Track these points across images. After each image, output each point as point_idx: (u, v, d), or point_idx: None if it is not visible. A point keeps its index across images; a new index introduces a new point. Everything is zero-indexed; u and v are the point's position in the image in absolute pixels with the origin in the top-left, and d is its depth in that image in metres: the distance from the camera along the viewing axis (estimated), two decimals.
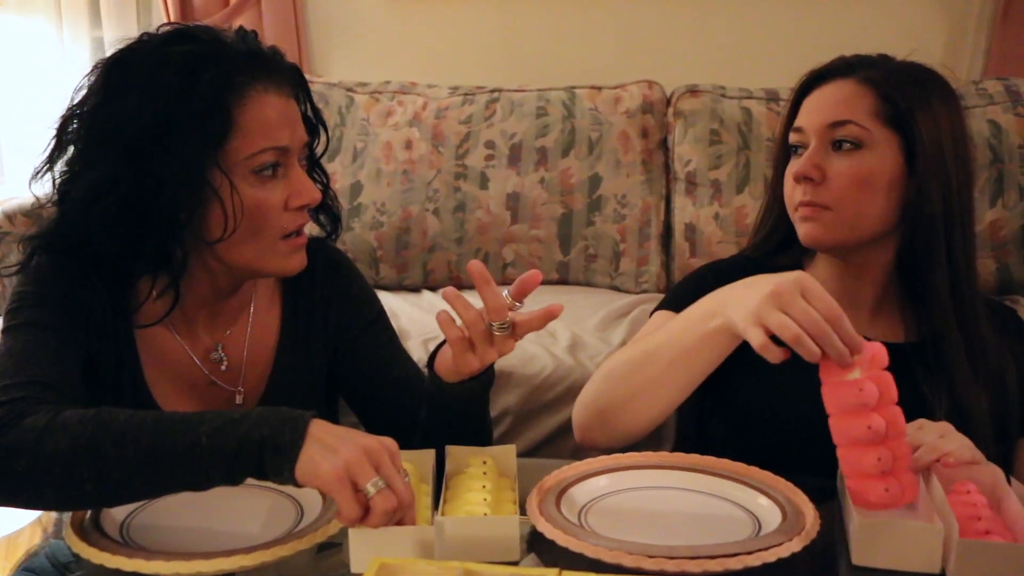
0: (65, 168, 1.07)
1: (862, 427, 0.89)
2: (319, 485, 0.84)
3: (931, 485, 0.93)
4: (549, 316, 0.98)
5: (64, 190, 1.07)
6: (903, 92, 1.16)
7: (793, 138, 1.22)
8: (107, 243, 1.04)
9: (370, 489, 0.83)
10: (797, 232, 1.21)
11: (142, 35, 1.08)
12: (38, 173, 1.08)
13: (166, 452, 0.86)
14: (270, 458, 0.85)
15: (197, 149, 1.01)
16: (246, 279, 1.15)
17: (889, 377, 0.92)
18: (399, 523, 0.86)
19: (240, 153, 1.03)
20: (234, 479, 0.87)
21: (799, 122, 1.21)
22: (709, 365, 1.05)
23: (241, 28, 1.10)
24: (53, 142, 1.07)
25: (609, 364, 1.15)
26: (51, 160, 1.07)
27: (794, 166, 1.20)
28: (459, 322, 0.99)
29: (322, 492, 0.96)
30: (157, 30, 1.09)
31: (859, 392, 0.89)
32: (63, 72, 2.88)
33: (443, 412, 1.07)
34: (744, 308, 0.96)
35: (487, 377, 1.06)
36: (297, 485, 0.86)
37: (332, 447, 0.84)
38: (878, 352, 0.92)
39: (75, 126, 1.06)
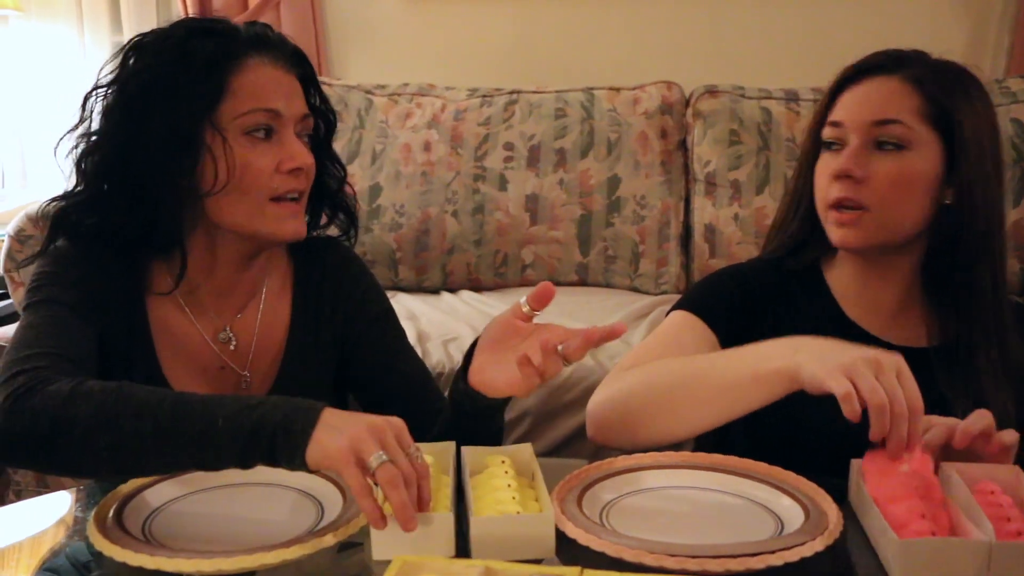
0: (83, 141, 1.14)
1: (916, 514, 0.87)
2: (328, 464, 0.87)
3: (955, 487, 0.92)
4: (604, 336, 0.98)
5: (80, 159, 1.13)
6: (947, 92, 1.14)
7: (829, 133, 1.18)
8: (111, 206, 1.11)
9: (372, 462, 0.85)
10: (828, 233, 1.18)
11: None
12: (61, 143, 1.14)
13: (183, 430, 0.89)
14: (282, 443, 0.87)
15: (189, 107, 1.08)
16: (247, 244, 1.17)
17: (935, 481, 0.91)
18: (419, 506, 0.87)
19: (232, 113, 1.09)
20: (246, 462, 0.90)
21: (837, 116, 1.17)
22: (754, 404, 1.03)
23: (253, 21, 1.17)
24: (77, 119, 1.14)
25: (647, 372, 1.12)
26: (73, 133, 1.14)
27: (831, 162, 1.16)
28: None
29: (333, 477, 0.99)
30: None
31: (909, 479, 0.90)
32: (85, 77, 2.90)
33: (471, 420, 1.08)
34: (830, 361, 0.94)
35: None
36: (308, 470, 0.88)
37: (339, 428, 0.87)
38: (928, 462, 0.93)
39: (93, 103, 1.13)
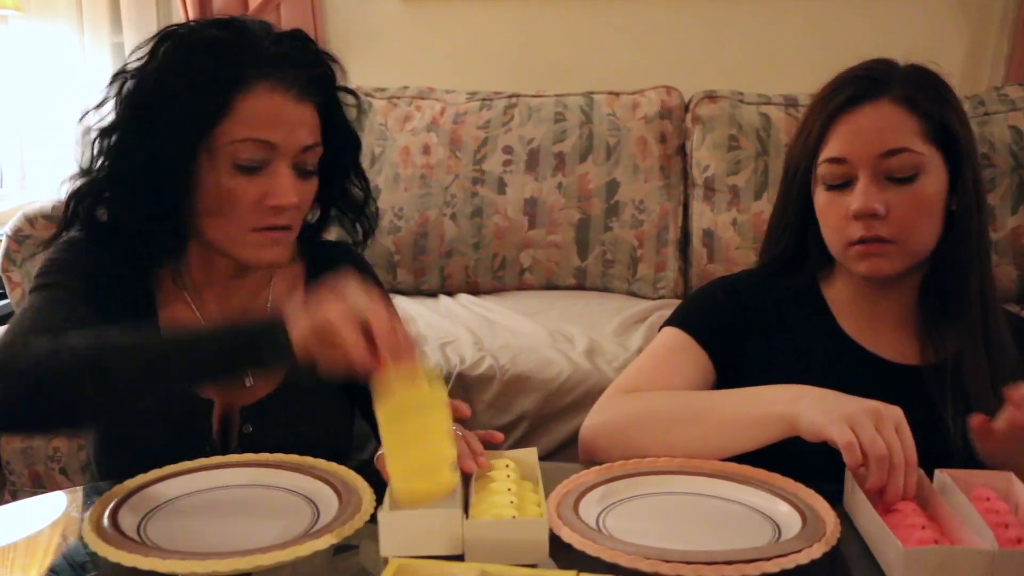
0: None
1: (916, 530, 0.88)
2: (319, 325, 0.88)
3: (952, 495, 0.92)
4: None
5: (99, 136, 1.13)
6: (936, 104, 1.12)
7: (830, 170, 1.13)
8: (121, 193, 1.11)
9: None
10: (850, 266, 1.15)
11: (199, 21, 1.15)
12: (89, 133, 1.14)
13: (167, 348, 0.95)
14: (264, 334, 0.92)
15: (189, 123, 1.06)
16: (233, 260, 1.17)
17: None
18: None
19: (227, 137, 1.07)
20: (232, 367, 0.97)
21: (836, 152, 1.12)
22: (749, 445, 1.05)
23: (286, 32, 1.14)
24: (102, 97, 1.14)
25: (645, 402, 1.14)
26: (110, 128, 1.12)
27: (843, 202, 1.12)
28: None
29: (329, 479, 0.99)
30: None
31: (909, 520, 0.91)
32: (84, 77, 2.90)
33: None
34: (832, 411, 0.96)
35: None
36: (295, 361, 0.90)
37: (318, 304, 0.90)
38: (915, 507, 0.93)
39: (120, 84, 1.12)
